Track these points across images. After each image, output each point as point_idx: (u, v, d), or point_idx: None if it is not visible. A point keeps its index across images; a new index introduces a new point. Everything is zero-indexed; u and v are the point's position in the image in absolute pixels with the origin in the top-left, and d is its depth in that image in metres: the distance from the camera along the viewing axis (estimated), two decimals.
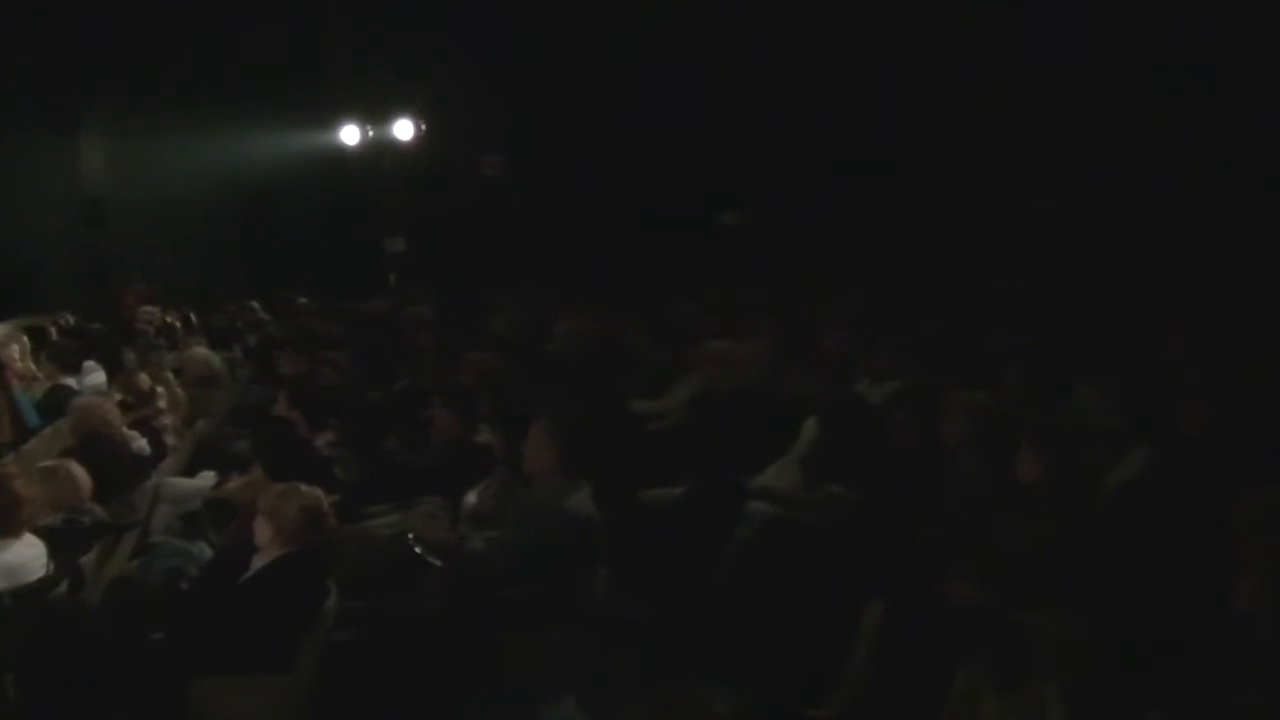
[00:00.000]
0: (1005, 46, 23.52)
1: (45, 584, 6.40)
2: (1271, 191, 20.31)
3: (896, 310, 14.76)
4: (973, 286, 17.34)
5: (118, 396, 10.76)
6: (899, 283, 18.36)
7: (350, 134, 26.18)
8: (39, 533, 6.66)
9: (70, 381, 11.96)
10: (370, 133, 26.21)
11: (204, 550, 7.68)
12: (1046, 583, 5.75)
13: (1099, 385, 8.03)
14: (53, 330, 15.63)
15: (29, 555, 6.47)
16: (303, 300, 19.72)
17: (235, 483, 8.45)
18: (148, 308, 18.32)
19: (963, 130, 24.03)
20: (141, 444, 9.74)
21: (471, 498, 7.44)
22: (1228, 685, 4.23)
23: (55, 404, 10.88)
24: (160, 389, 11.13)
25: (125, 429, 9.60)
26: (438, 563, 6.71)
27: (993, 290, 16.62)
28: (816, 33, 24.58)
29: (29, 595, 6.23)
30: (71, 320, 17.31)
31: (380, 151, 26.14)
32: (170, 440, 10.50)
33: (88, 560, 7.01)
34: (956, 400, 7.20)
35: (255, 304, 19.49)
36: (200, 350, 13.82)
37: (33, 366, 12.82)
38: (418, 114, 25.94)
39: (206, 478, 9.29)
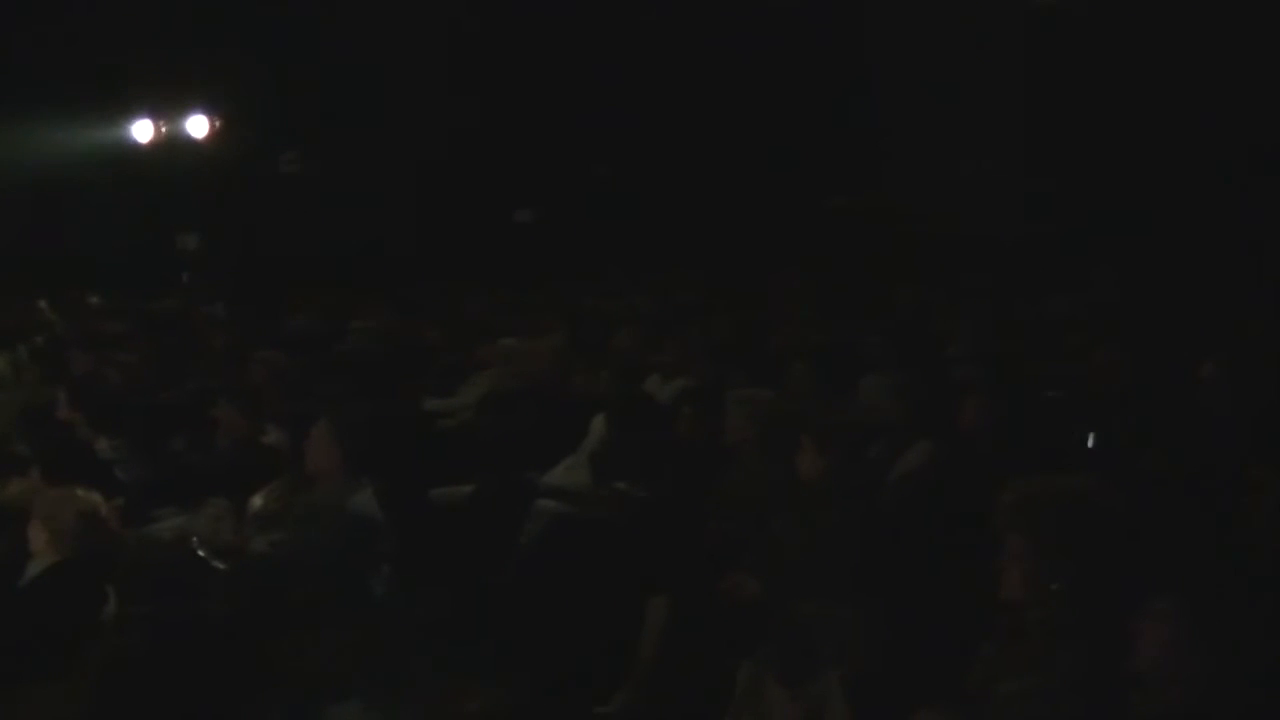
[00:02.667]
0: (802, 42, 23.81)
1: None
2: (1071, 193, 20.83)
3: (686, 307, 14.88)
4: (762, 283, 17.54)
5: None
6: (689, 279, 18.51)
7: (143, 129, 25.69)
8: None
9: None
10: (164, 128, 25.76)
11: None
12: (828, 577, 5.83)
13: (881, 381, 8.17)
14: None
15: None
16: (93, 299, 19.31)
17: (12, 487, 8.25)
18: None
19: (757, 127, 24.29)
20: None
21: (257, 499, 7.35)
22: (994, 673, 4.33)
23: None
24: None
25: None
26: (222, 566, 6.62)
27: (781, 287, 16.81)
28: (608, 30, 24.66)
29: None
30: None
31: (174, 147, 25.69)
32: None
33: None
34: (739, 397, 7.28)
35: (43, 303, 19.02)
36: None
37: None
38: (213, 109, 25.56)
39: None
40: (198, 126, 25.50)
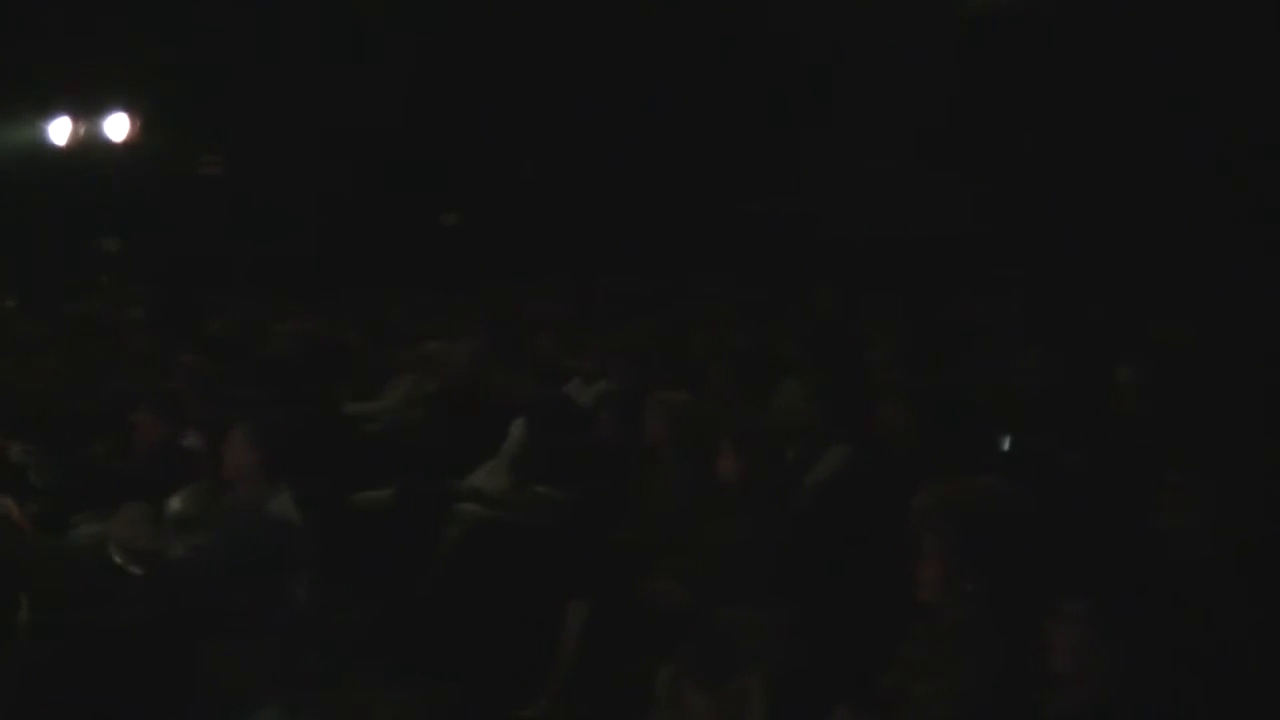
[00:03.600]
0: (723, 45, 23.87)
1: None
2: (990, 197, 20.99)
3: (606, 310, 14.91)
4: (682, 287, 17.59)
5: None
6: (610, 283, 18.53)
7: (60, 129, 25.42)
8: None
9: None
10: (82, 128, 25.47)
11: None
12: (746, 579, 5.87)
13: (799, 384, 8.22)
14: None
15: None
16: (9, 303, 19.08)
17: None
18: None
19: (677, 131, 24.33)
20: None
21: (175, 503, 7.30)
22: (910, 674, 4.37)
23: None
24: None
25: None
26: (139, 571, 6.58)
27: (701, 290, 16.86)
28: (532, 31, 24.65)
29: None
30: None
31: (92, 148, 25.42)
32: None
33: None
34: (657, 400, 7.30)
35: None
36: None
37: None
38: (133, 109, 25.30)
39: None
40: (117, 126, 25.20)
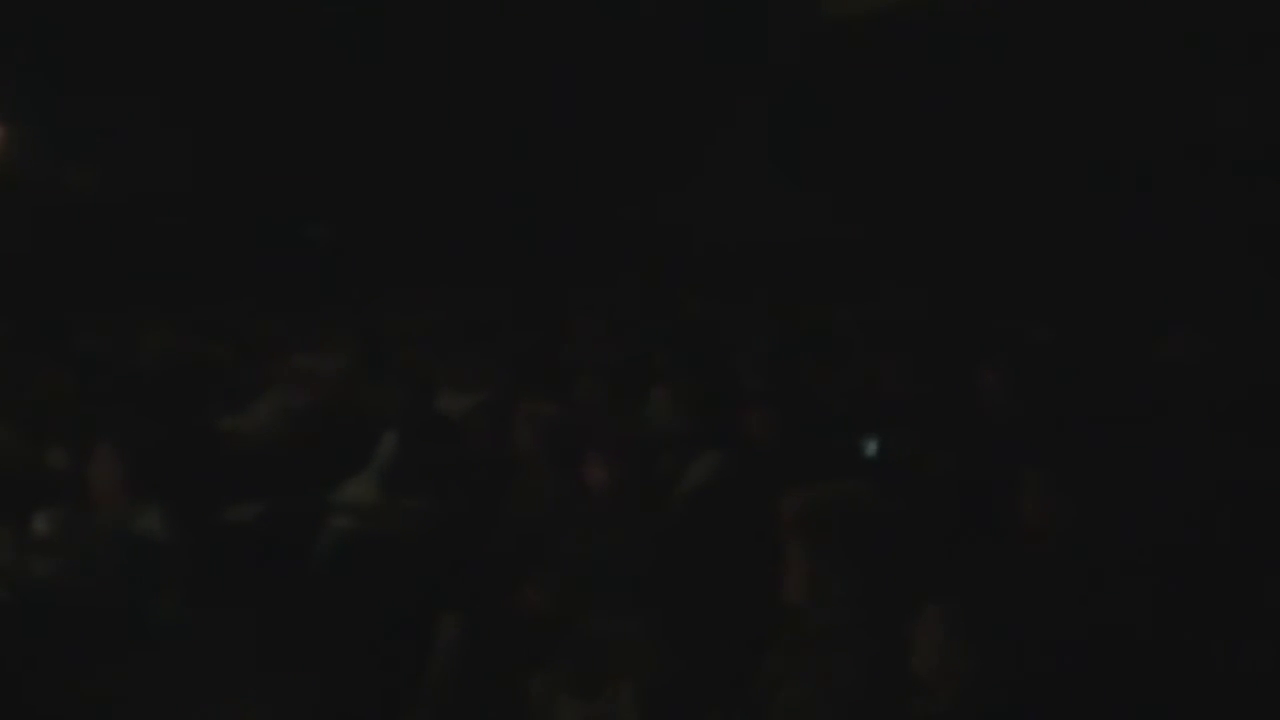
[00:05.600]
0: (590, 51, 23.92)
1: None
2: (855, 203, 21.20)
3: (477, 321, 14.88)
4: (552, 297, 17.60)
5: None
6: (479, 293, 18.51)
7: None
8: None
9: None
10: None
11: None
12: (617, 589, 5.89)
13: (669, 392, 8.26)
14: None
15: None
16: None
17: None
18: None
19: (546, 139, 24.35)
20: None
21: (39, 523, 7.19)
22: (778, 679, 4.42)
23: None
24: None
25: None
26: (1, 592, 6.49)
27: (571, 300, 16.89)
28: (400, 42, 24.57)
29: None
30: None
31: None
32: None
33: None
34: (527, 411, 7.32)
35: None
36: None
37: None
38: None
39: None
40: None
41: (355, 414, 9.51)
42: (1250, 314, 11.16)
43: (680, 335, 12.24)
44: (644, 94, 23.89)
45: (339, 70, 24.73)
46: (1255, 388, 8.19)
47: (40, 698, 6.04)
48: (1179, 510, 6.19)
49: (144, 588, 6.41)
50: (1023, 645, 3.84)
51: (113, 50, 24.02)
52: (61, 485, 7.47)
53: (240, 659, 6.91)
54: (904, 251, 18.79)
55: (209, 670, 6.62)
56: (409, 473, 7.65)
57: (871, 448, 7.52)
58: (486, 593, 6.29)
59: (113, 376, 11.63)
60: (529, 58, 24.24)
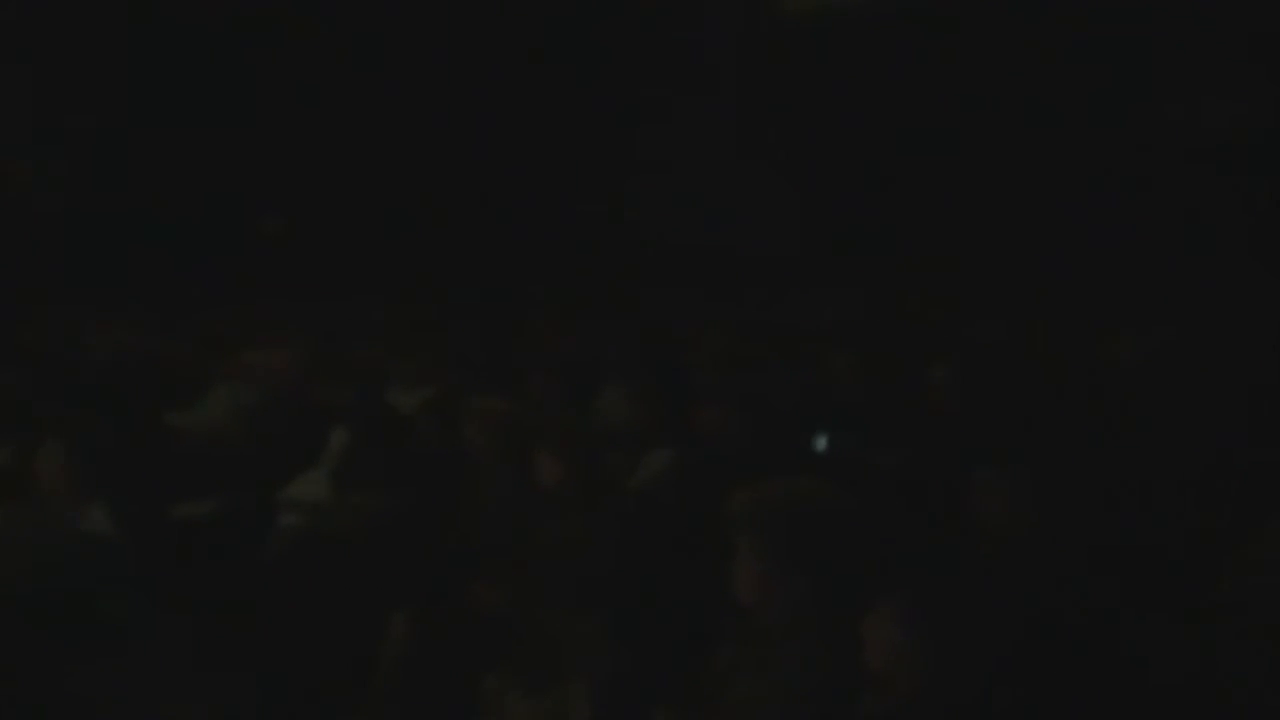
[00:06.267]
0: (547, 53, 23.90)
1: None
2: (809, 203, 21.25)
3: (427, 316, 14.86)
4: (503, 292, 17.59)
5: None
6: (430, 288, 18.49)
7: None
8: None
9: None
10: None
11: None
12: (569, 586, 5.88)
13: (621, 389, 8.25)
14: None
15: None
16: None
17: None
18: None
19: (497, 133, 24.33)
20: None
21: None
22: (729, 677, 4.42)
23: None
24: None
25: None
26: None
27: (522, 295, 16.89)
28: (353, 34, 24.51)
29: None
30: None
31: None
32: None
33: None
34: (478, 407, 7.30)
35: None
36: None
37: None
38: None
39: None
40: None
41: (305, 410, 9.46)
42: (1204, 311, 11.24)
43: (631, 332, 12.24)
44: (600, 90, 23.90)
45: (290, 64, 24.65)
46: (1209, 385, 8.24)
47: None
48: (1134, 508, 6.23)
49: (91, 586, 6.35)
50: (975, 643, 3.84)
51: (52, 40, 23.89)
52: (6, 482, 7.42)
53: (189, 657, 6.87)
54: (856, 249, 18.86)
55: (157, 669, 6.58)
56: (360, 470, 7.63)
57: (823, 445, 7.54)
58: (437, 590, 6.27)
59: (60, 372, 11.56)
60: (487, 52, 24.22)
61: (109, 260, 23.31)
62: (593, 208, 24.47)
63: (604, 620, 5.60)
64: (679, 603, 5.56)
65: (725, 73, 22.53)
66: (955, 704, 3.78)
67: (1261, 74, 16.27)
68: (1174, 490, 6.42)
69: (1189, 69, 16.87)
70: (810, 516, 4.39)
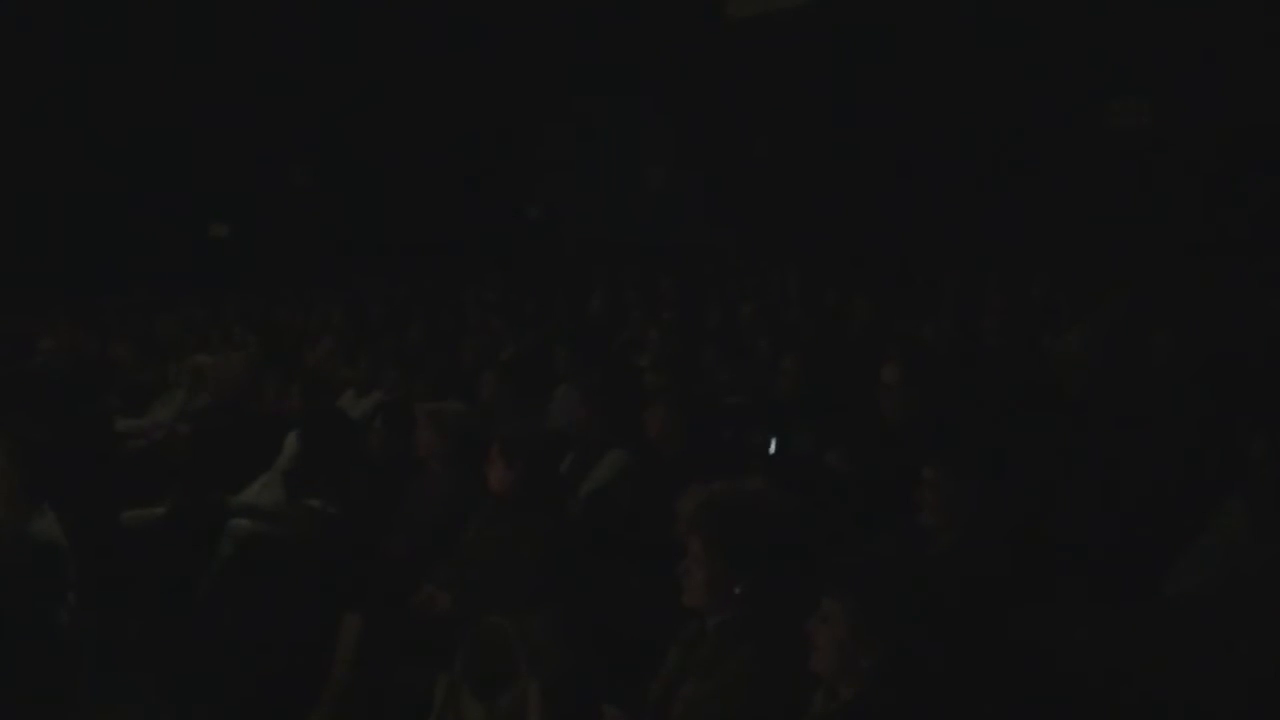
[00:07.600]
0: (497, 53, 23.93)
1: None
2: (758, 202, 21.33)
3: (378, 319, 14.85)
4: (454, 294, 17.58)
5: None
6: (381, 291, 18.48)
7: None
8: None
9: None
10: None
11: None
12: (520, 587, 5.91)
13: (572, 391, 8.29)
14: None
15: None
16: None
17: None
18: None
19: (449, 137, 24.34)
20: None
21: None
22: (678, 677, 4.45)
23: None
24: None
25: None
26: None
27: (473, 298, 16.88)
28: (308, 38, 24.48)
29: None
30: None
31: None
32: None
33: None
34: (428, 410, 7.32)
35: None
36: None
37: None
38: None
39: None
40: None
41: (257, 414, 9.47)
42: (1148, 307, 11.32)
43: (582, 334, 12.25)
44: (545, 91, 23.91)
45: (238, 70, 24.60)
46: (1151, 381, 8.32)
47: None
48: (1078, 503, 6.31)
49: (40, 592, 6.35)
50: (922, 642, 3.88)
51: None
52: None
53: (141, 660, 6.88)
54: (804, 250, 18.92)
55: (109, 672, 6.59)
56: (312, 473, 7.64)
57: (771, 446, 7.58)
58: (388, 592, 6.30)
59: (8, 376, 11.53)
60: (424, 54, 24.22)
61: (58, 264, 23.20)
62: (545, 209, 24.54)
63: (554, 621, 5.63)
64: (629, 603, 5.60)
65: (672, 75, 22.59)
66: (903, 704, 3.82)
67: (1178, 78, 16.41)
68: (1120, 486, 6.50)
69: (1120, 74, 17.01)
70: (760, 517, 4.42)
